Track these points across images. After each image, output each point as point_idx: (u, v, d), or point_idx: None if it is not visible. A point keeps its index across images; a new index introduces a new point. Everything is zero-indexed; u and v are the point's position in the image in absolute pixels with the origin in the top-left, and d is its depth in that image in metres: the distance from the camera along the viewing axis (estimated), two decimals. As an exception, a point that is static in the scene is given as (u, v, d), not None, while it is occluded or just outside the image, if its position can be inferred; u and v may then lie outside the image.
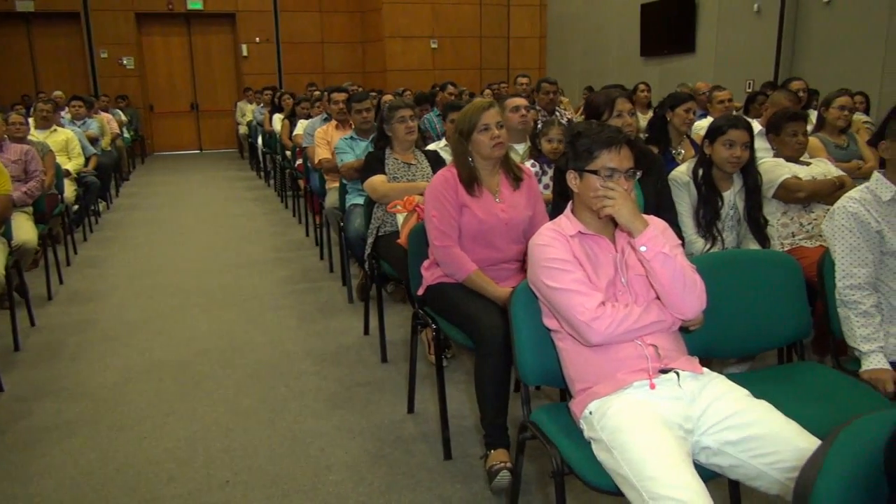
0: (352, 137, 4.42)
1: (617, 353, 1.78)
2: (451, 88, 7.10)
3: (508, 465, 2.25)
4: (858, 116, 5.28)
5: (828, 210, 2.33)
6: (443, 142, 4.44)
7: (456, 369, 3.34)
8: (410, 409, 2.94)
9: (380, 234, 3.49)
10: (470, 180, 2.53)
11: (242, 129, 12.00)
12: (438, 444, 2.61)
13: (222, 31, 13.79)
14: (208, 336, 3.89)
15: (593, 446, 1.71)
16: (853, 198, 2.22)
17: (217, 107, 13.98)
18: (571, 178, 1.90)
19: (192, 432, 2.80)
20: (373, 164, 3.57)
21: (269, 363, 3.49)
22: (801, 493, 1.03)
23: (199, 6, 13.26)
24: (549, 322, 1.91)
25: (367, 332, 3.86)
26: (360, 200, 3.96)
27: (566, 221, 1.92)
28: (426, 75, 12.91)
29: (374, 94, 7.15)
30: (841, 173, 3.27)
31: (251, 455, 2.63)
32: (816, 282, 2.36)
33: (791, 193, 3.05)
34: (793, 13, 8.36)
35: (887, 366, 2.09)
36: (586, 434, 1.75)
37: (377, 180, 3.49)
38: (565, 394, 2.05)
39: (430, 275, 2.62)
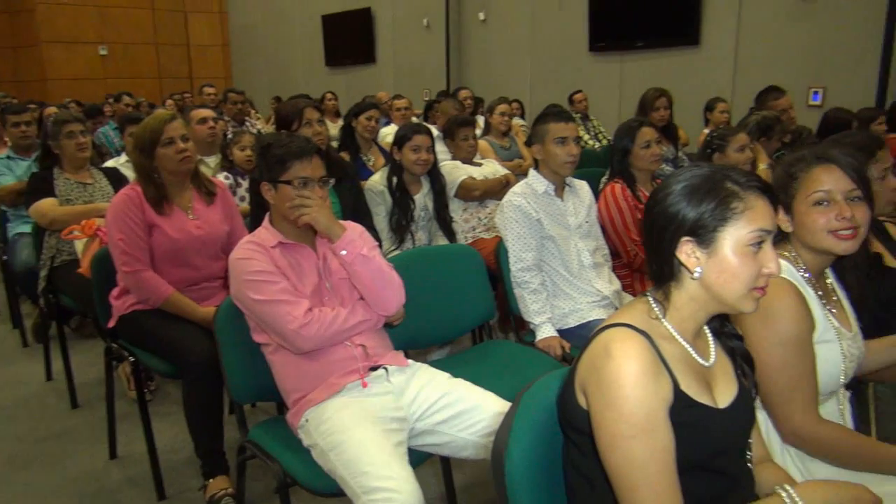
0: (8, 157, 3.83)
1: (328, 357, 1.83)
2: (127, 99, 6.55)
3: (230, 490, 2.17)
4: (516, 121, 6.07)
5: (499, 204, 2.65)
6: (123, 157, 4.07)
7: (162, 401, 3.11)
8: (113, 455, 2.67)
9: (55, 264, 3.09)
10: (158, 198, 2.37)
11: None
12: (150, 484, 2.41)
13: None
14: None
15: (313, 453, 1.74)
16: (517, 192, 2.56)
17: None
18: (266, 190, 1.90)
19: None
20: (39, 185, 3.13)
21: (-81, 434, 2.88)
22: (498, 450, 1.18)
23: None
24: (259, 336, 1.88)
25: (50, 377, 3.39)
26: (27, 228, 3.46)
27: (265, 233, 1.91)
28: (96, 85, 11.69)
29: (32, 106, 6.27)
30: (507, 172, 3.73)
31: None
32: (495, 268, 2.66)
33: (468, 192, 3.40)
34: (457, 28, 9.29)
35: (555, 333, 2.45)
36: (305, 443, 1.77)
37: (46, 204, 3.07)
38: (282, 407, 2.04)
39: (121, 303, 2.40)
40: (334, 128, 5.26)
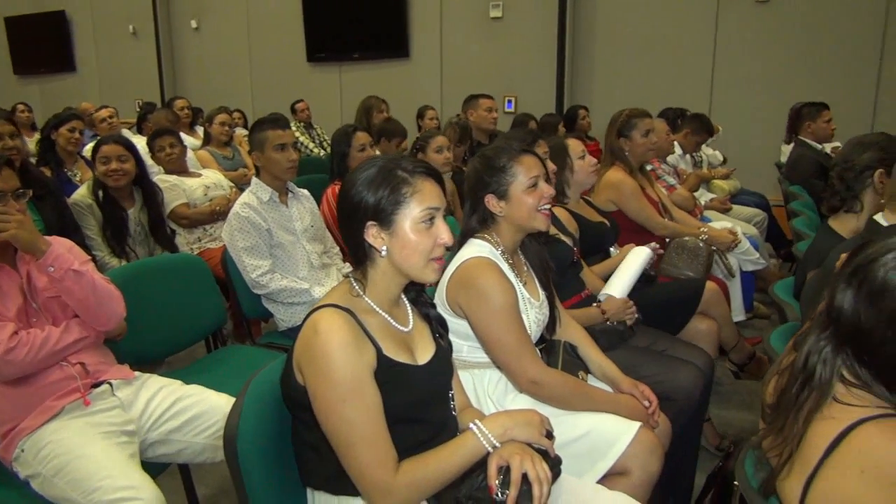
0: None
1: (42, 380, 1.72)
2: None
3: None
4: (240, 131, 5.99)
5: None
6: None
7: None
8: None
9: None
10: None
11: None
12: None
13: None
14: None
15: (33, 484, 1.63)
16: (244, 203, 2.57)
17: None
18: (-54, 210, 1.72)
19: None
20: None
21: None
22: (230, 435, 1.25)
23: None
24: (-48, 370, 1.70)
25: None
26: None
27: (-49, 257, 1.73)
28: None
29: None
30: (230, 184, 3.69)
31: None
32: (224, 277, 2.66)
33: (177, 220, 3.31)
34: (168, 36, 8.84)
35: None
36: (23, 475, 1.66)
37: None
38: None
39: None
40: (31, 142, 4.74)
